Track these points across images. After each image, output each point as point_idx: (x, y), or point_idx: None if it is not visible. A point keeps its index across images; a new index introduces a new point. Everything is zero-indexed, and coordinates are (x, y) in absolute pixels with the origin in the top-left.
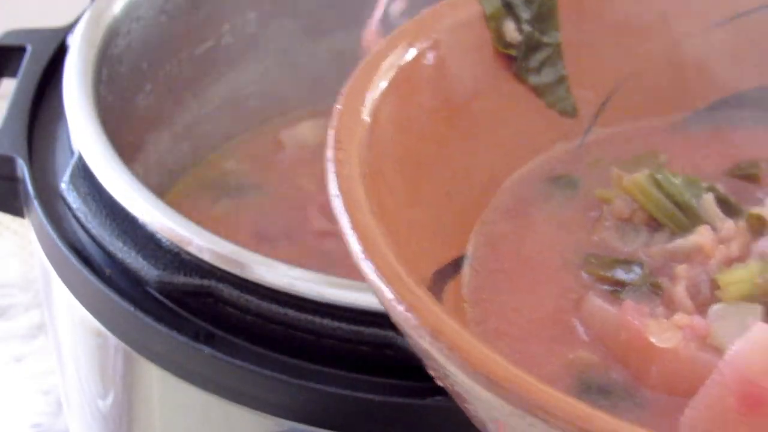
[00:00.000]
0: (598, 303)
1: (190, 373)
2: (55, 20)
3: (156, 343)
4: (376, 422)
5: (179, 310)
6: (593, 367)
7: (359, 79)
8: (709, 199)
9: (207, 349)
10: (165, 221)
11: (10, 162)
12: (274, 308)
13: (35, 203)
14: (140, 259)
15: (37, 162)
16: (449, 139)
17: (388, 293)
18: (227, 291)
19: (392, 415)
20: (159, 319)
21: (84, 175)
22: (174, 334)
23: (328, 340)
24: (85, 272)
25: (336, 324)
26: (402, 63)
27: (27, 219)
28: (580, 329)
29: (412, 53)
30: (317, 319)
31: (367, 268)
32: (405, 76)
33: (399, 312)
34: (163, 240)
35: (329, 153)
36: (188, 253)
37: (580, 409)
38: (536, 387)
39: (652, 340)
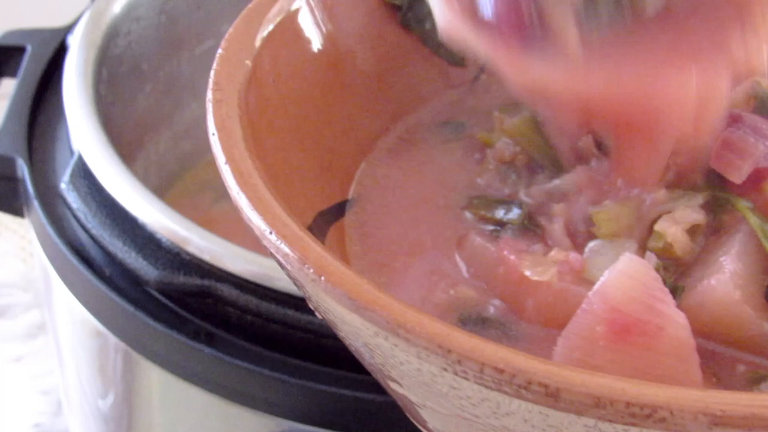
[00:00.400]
0: (478, 240)
1: (190, 373)
2: (55, 20)
3: (156, 343)
4: (376, 422)
5: (179, 310)
6: (472, 301)
7: (242, 24)
8: (587, 139)
9: (207, 349)
10: (165, 221)
11: (10, 162)
12: (274, 308)
13: (35, 203)
14: (140, 259)
15: (37, 162)
16: (335, 85)
17: (260, 223)
18: (227, 291)
19: (392, 415)
20: (159, 319)
21: (84, 175)
22: (174, 334)
23: (328, 340)
24: (85, 272)
25: None
26: (287, 8)
27: (27, 219)
28: (462, 266)
29: (298, 1)
30: (317, 319)
31: (241, 200)
32: (290, 21)
33: (269, 240)
34: (163, 240)
35: (208, 94)
36: (188, 253)
37: (439, 327)
38: (397, 307)
39: (527, 273)
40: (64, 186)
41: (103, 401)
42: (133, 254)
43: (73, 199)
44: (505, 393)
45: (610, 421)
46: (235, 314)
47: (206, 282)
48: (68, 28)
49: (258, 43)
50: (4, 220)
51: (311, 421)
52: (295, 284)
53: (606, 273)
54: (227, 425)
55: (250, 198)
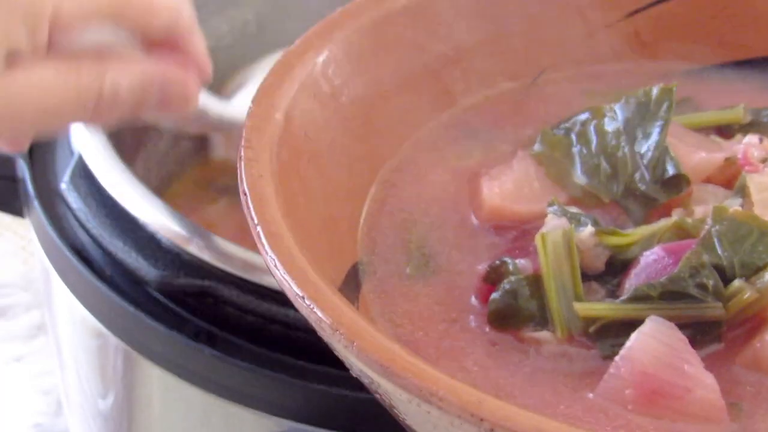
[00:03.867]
0: None
1: (190, 373)
2: None
3: (156, 343)
4: (376, 422)
5: (179, 310)
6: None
7: (272, 79)
8: None
9: (207, 349)
10: (165, 221)
11: (10, 162)
12: (274, 308)
13: (35, 203)
14: (140, 259)
15: (37, 162)
16: (364, 134)
17: (292, 286)
18: (227, 291)
19: (392, 415)
20: (159, 319)
21: (84, 175)
22: (174, 334)
23: None
24: (85, 272)
25: None
26: (315, 61)
27: (27, 219)
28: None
29: (323, 54)
30: None
31: (273, 263)
32: (319, 73)
33: (302, 304)
34: (163, 240)
35: (240, 151)
36: (188, 253)
37: (472, 394)
38: (429, 374)
39: None
40: (64, 186)
41: (103, 401)
42: (134, 254)
43: (73, 199)
44: None
45: None
46: (235, 314)
47: (206, 282)
48: None
49: (289, 97)
50: (4, 220)
51: (311, 421)
52: (330, 346)
53: (632, 336)
54: (227, 425)
55: (282, 261)
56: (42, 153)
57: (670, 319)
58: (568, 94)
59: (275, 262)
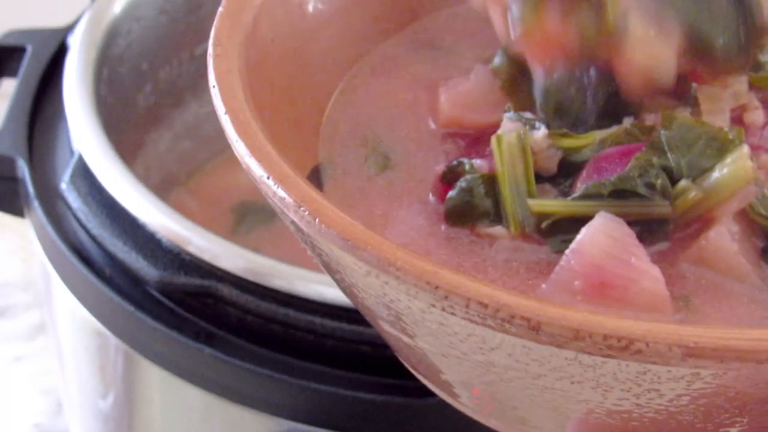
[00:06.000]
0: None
1: (190, 373)
2: (55, 20)
3: (156, 343)
4: (376, 422)
5: (179, 310)
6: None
7: None
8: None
9: (207, 349)
10: (165, 221)
11: (10, 162)
12: (274, 308)
13: (35, 203)
14: (140, 259)
15: (37, 162)
16: (328, 46)
17: (258, 169)
18: (227, 291)
19: (392, 415)
20: (159, 319)
21: (84, 175)
22: (174, 334)
23: (328, 340)
24: (85, 272)
25: (336, 324)
26: None
27: (27, 219)
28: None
29: None
30: (317, 319)
31: (239, 147)
32: None
33: (267, 185)
34: (163, 240)
35: (209, 50)
36: (188, 253)
37: (428, 265)
38: (387, 246)
39: None
40: (64, 186)
41: (103, 401)
42: (134, 254)
43: (73, 199)
44: (490, 327)
45: (589, 353)
46: (235, 314)
47: (206, 282)
48: (68, 28)
49: (257, 2)
50: (4, 220)
51: (311, 421)
52: (292, 229)
53: (582, 230)
54: (227, 425)
55: (248, 145)
56: (42, 153)
57: (619, 216)
58: None
59: (242, 145)
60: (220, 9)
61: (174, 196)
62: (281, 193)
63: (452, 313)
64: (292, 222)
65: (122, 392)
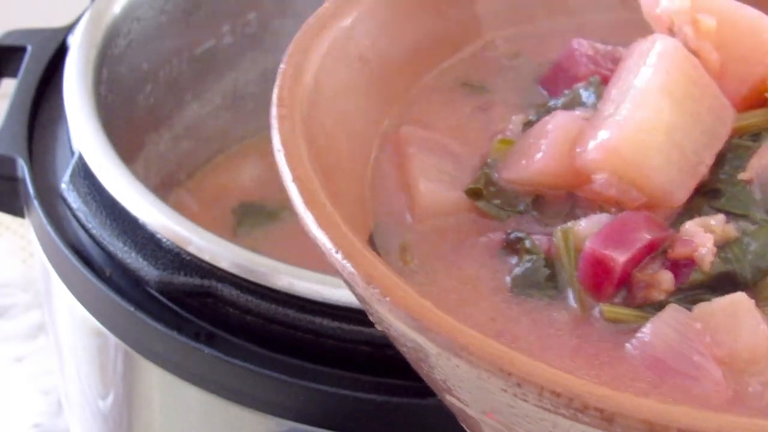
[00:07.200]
0: None
1: (190, 373)
2: (55, 20)
3: (156, 343)
4: (376, 422)
5: (179, 310)
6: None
7: (303, 39)
8: None
9: (207, 349)
10: (165, 221)
11: (10, 162)
12: (274, 308)
13: (35, 203)
14: (140, 259)
15: (37, 162)
16: (380, 98)
17: (326, 242)
18: (227, 291)
19: (392, 415)
20: (159, 319)
21: (84, 175)
22: (174, 334)
23: (328, 340)
24: (85, 272)
25: (336, 324)
26: (341, 25)
27: (27, 219)
28: (507, 280)
29: (351, 17)
30: (317, 319)
31: (307, 219)
32: (345, 37)
33: (336, 259)
34: (163, 240)
35: (272, 110)
36: (188, 253)
37: (501, 350)
38: (460, 329)
39: None
40: (64, 186)
41: (103, 401)
42: (133, 254)
43: (73, 199)
44: (563, 416)
45: None
46: (235, 314)
47: (206, 282)
48: (68, 28)
49: (318, 58)
50: (4, 220)
51: (311, 421)
52: (359, 301)
53: (649, 322)
54: (227, 425)
55: (317, 217)
56: (42, 153)
57: None
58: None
59: (310, 217)
60: (282, 66)
61: (174, 196)
62: (350, 269)
63: (524, 400)
64: (361, 297)
65: (122, 392)
